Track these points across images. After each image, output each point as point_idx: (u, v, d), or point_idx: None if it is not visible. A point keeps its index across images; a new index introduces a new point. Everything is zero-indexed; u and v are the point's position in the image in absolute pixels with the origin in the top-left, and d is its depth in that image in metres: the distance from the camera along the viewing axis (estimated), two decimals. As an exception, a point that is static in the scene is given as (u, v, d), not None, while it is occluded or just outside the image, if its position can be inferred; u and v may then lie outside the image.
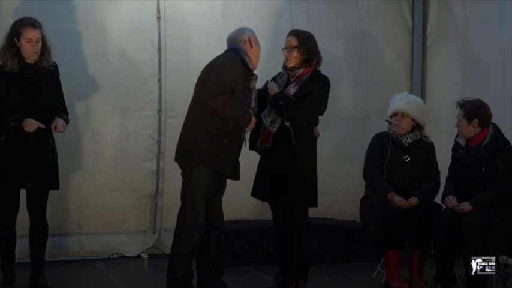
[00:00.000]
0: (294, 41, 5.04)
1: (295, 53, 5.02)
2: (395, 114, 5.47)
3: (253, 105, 4.89)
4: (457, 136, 5.36)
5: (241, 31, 5.00)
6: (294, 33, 5.09)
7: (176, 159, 4.93)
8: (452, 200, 5.16)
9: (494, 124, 5.23)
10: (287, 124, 4.96)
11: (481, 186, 5.13)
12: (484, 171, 5.12)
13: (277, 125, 4.96)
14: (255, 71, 4.95)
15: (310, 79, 5.04)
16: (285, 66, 5.15)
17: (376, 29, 7.06)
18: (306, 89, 4.99)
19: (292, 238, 5.12)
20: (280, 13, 6.79)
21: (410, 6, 7.17)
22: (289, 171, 4.94)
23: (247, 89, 4.85)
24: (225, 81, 4.68)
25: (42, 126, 4.90)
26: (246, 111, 4.78)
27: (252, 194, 5.20)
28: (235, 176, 4.93)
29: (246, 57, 4.85)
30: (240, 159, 4.98)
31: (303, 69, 5.05)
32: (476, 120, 5.16)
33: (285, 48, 5.06)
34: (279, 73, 5.21)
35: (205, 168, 4.74)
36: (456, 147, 5.35)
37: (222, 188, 4.97)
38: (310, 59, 5.04)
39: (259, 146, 5.07)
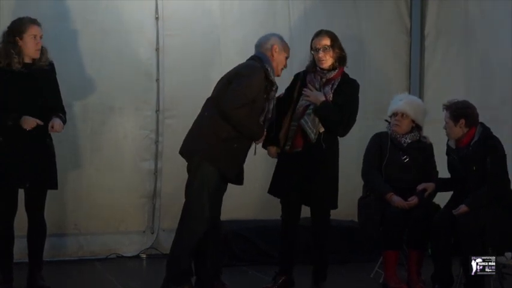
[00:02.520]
0: (327, 41, 5.02)
1: (331, 52, 5.01)
2: (394, 114, 5.47)
3: (269, 115, 4.89)
4: (448, 140, 5.38)
5: (265, 38, 4.98)
6: (325, 33, 5.06)
7: (181, 151, 4.91)
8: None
9: (482, 123, 5.24)
10: (320, 131, 4.99)
11: (474, 185, 5.13)
12: (475, 170, 5.13)
13: (318, 133, 4.98)
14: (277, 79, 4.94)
15: (342, 82, 5.04)
16: (312, 68, 5.11)
17: (373, 29, 7.07)
18: (341, 94, 4.99)
19: (297, 239, 5.18)
20: (277, 13, 6.80)
21: (408, 6, 7.18)
22: (319, 174, 4.97)
23: (265, 100, 4.83)
24: (247, 93, 4.69)
25: (41, 123, 4.89)
26: (259, 125, 4.81)
27: (270, 192, 5.21)
28: (238, 180, 4.93)
29: (268, 68, 4.84)
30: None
31: (335, 72, 5.04)
32: (462, 121, 5.16)
33: (318, 50, 5.01)
34: (303, 72, 5.16)
35: (211, 166, 4.74)
36: (448, 151, 5.37)
37: (223, 188, 4.95)
38: (343, 57, 5.05)
39: (288, 150, 5.04)
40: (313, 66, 5.12)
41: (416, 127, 5.52)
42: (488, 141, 5.14)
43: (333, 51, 5.01)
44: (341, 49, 5.05)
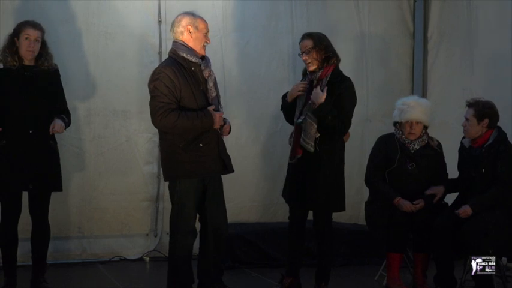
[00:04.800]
0: (309, 43, 5.00)
1: (313, 54, 4.99)
2: (409, 122, 5.40)
3: (213, 94, 4.73)
4: (463, 138, 5.36)
5: (177, 22, 4.71)
6: (308, 35, 5.04)
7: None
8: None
9: (499, 127, 5.24)
10: (316, 136, 4.97)
11: (480, 188, 5.13)
12: (484, 173, 5.13)
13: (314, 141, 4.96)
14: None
15: (332, 80, 4.99)
16: (304, 73, 5.14)
17: (376, 32, 7.06)
18: (333, 94, 4.93)
19: (303, 242, 5.20)
20: (280, 15, 6.80)
21: (411, 8, 7.16)
22: (317, 178, 4.96)
23: (199, 85, 4.68)
24: (162, 101, 4.56)
25: None
26: (201, 115, 4.60)
27: (283, 195, 5.23)
28: (227, 170, 4.81)
29: (184, 54, 4.65)
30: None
31: (322, 70, 5.01)
32: (486, 120, 5.17)
33: (302, 53, 5.02)
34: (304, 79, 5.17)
35: (186, 179, 4.66)
36: (461, 149, 5.36)
37: (216, 187, 4.81)
38: (329, 57, 5.01)
39: (290, 157, 5.05)
40: (305, 70, 5.15)
41: (424, 128, 5.50)
42: (501, 146, 5.14)
43: (315, 52, 4.98)
44: (327, 49, 5.00)
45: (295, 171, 5.05)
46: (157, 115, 4.57)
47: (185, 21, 4.69)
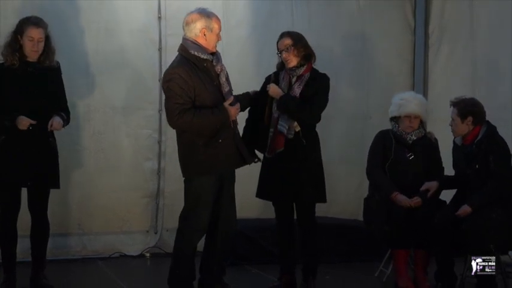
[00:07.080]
0: (288, 41, 5.05)
1: (294, 51, 5.03)
2: (407, 116, 5.42)
3: (227, 88, 4.77)
4: (455, 137, 5.36)
5: (192, 23, 4.69)
6: (286, 34, 5.10)
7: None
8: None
9: (488, 122, 5.25)
10: (296, 130, 4.99)
11: (476, 184, 5.13)
12: (478, 168, 5.14)
13: (293, 131, 4.98)
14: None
15: (311, 77, 5.06)
16: (281, 68, 5.17)
17: (377, 28, 7.05)
18: (311, 88, 5.02)
19: (296, 238, 5.17)
20: (281, 13, 6.79)
21: (412, 4, 7.15)
22: (302, 170, 4.97)
23: (213, 81, 4.70)
24: (178, 101, 4.57)
25: (34, 122, 4.90)
26: (216, 111, 4.64)
27: (258, 195, 5.21)
28: (252, 158, 4.86)
29: (196, 52, 4.66)
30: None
31: (304, 68, 5.07)
32: (470, 118, 5.18)
33: (281, 51, 5.05)
34: (274, 73, 5.19)
35: (203, 177, 4.68)
36: (454, 148, 5.36)
37: (230, 185, 4.85)
38: (309, 54, 5.08)
39: (268, 152, 5.03)
40: (283, 65, 5.16)
41: (421, 123, 5.51)
42: (491, 141, 5.14)
43: (296, 50, 5.03)
44: (306, 47, 5.07)
45: (277, 166, 5.01)
46: (173, 116, 4.59)
47: (200, 23, 4.68)
